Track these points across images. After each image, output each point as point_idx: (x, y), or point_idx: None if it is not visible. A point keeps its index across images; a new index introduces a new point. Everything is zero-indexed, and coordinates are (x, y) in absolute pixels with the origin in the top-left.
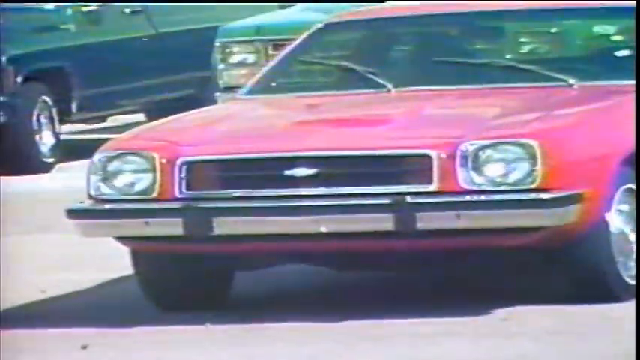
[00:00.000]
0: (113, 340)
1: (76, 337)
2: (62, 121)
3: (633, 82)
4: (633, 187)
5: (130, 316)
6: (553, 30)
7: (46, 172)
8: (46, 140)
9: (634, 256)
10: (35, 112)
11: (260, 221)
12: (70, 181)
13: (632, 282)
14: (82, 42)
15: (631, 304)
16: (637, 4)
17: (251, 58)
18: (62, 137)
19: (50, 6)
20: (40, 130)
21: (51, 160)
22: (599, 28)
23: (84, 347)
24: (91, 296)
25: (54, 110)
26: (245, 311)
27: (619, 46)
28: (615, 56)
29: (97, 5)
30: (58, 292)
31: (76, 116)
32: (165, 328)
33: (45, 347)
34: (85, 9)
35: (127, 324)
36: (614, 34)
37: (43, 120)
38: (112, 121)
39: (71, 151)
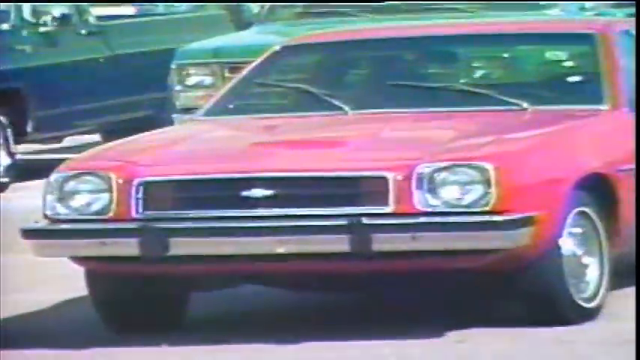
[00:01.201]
0: None
1: (32, 359)
2: (17, 142)
3: (585, 106)
4: (585, 209)
5: (87, 337)
6: (506, 55)
7: (1, 192)
8: (1, 160)
9: (586, 278)
10: None
11: (217, 242)
12: (26, 200)
13: (585, 305)
14: (38, 63)
15: (583, 327)
16: (637, 4)
17: (208, 80)
18: (18, 157)
19: (5, 26)
20: None
21: (6, 180)
22: (551, 54)
23: None
24: (47, 318)
25: (9, 130)
26: (202, 333)
27: (571, 71)
28: (568, 81)
29: (54, 26)
30: (13, 313)
31: (32, 136)
32: (120, 350)
33: None
34: (41, 29)
35: (84, 346)
36: (566, 60)
37: None
38: (68, 142)
39: (27, 170)
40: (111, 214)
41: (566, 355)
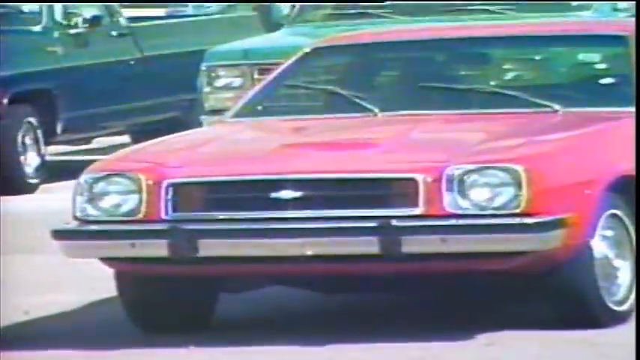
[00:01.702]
0: None
1: None
2: (47, 143)
3: (617, 109)
4: (617, 212)
5: (114, 338)
6: (538, 57)
7: (31, 193)
8: (30, 161)
9: (618, 281)
10: (20, 134)
11: (245, 243)
12: (55, 202)
13: (616, 308)
14: (68, 64)
15: (614, 330)
16: (637, 4)
17: (237, 82)
18: (47, 158)
19: (37, 28)
20: (24, 151)
21: (36, 181)
22: (583, 56)
23: None
24: (75, 318)
25: (39, 131)
26: (229, 334)
27: (603, 73)
28: (600, 84)
29: (85, 28)
30: (42, 314)
31: (61, 137)
32: (148, 351)
33: None
34: (72, 31)
35: (111, 346)
36: (598, 62)
37: (28, 141)
38: (97, 143)
39: (56, 172)
40: (140, 216)
41: (596, 358)
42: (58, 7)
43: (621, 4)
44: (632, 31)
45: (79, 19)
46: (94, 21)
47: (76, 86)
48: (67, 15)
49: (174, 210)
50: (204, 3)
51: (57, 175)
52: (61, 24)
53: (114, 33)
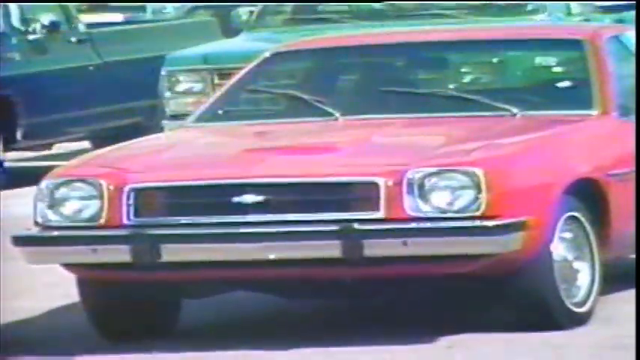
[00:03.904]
0: None
1: None
2: (7, 149)
3: (574, 112)
4: (576, 214)
5: (80, 344)
6: (496, 61)
7: None
8: None
9: (577, 283)
10: None
11: (208, 248)
12: (16, 207)
13: (576, 309)
14: (27, 70)
15: (574, 332)
16: (637, 4)
17: (198, 87)
18: (7, 164)
19: None
20: None
21: None
22: (541, 60)
23: None
24: (37, 325)
25: None
26: (193, 339)
27: (561, 77)
28: (557, 87)
29: (43, 34)
30: (3, 321)
31: (22, 144)
32: (112, 357)
33: None
34: (30, 37)
35: (74, 353)
36: (555, 66)
37: None
38: (58, 149)
39: (17, 178)
40: (102, 221)
41: None
42: (15, 14)
43: (574, 9)
44: (589, 36)
45: (37, 25)
46: (52, 27)
47: (35, 92)
48: (24, 21)
49: (136, 215)
50: (164, 8)
51: (17, 182)
52: (18, 30)
53: (72, 39)
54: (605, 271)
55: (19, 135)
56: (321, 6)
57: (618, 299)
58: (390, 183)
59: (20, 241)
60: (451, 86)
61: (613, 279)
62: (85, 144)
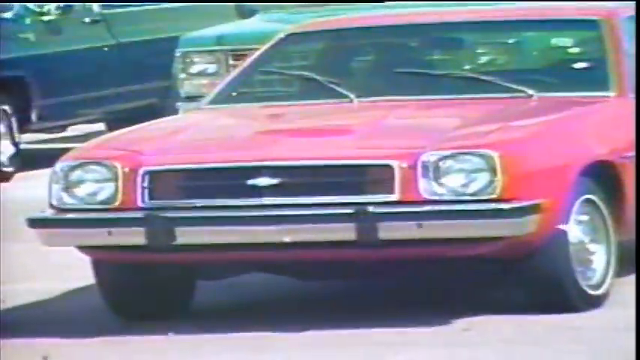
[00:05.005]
0: (75, 351)
1: (37, 348)
2: (22, 131)
3: (590, 93)
4: (592, 197)
5: (92, 326)
6: (512, 41)
7: (6, 182)
8: (5, 150)
9: (593, 266)
10: None
11: (223, 231)
12: (31, 190)
13: (591, 292)
14: (42, 51)
15: (589, 314)
16: (637, 4)
17: (212, 68)
18: (22, 146)
19: (8, 15)
20: None
21: (10, 170)
22: (557, 40)
23: (45, 358)
24: (52, 306)
25: (13, 120)
26: (208, 321)
27: (577, 58)
28: (573, 68)
29: (57, 14)
30: (19, 303)
31: (36, 125)
32: (127, 339)
33: (5, 358)
34: (44, 18)
35: (89, 334)
36: (572, 47)
37: (2, 129)
38: (72, 131)
39: (31, 160)
40: (117, 204)
41: (572, 342)
42: None
43: None
44: (605, 16)
45: (52, 6)
46: (67, 7)
47: (49, 74)
48: (39, 1)
49: (151, 198)
50: None
51: (32, 164)
52: (33, 11)
53: (87, 20)
54: (621, 254)
55: (33, 117)
56: None
57: (634, 282)
58: (405, 165)
59: (36, 223)
60: (466, 67)
61: (629, 261)
62: (100, 126)
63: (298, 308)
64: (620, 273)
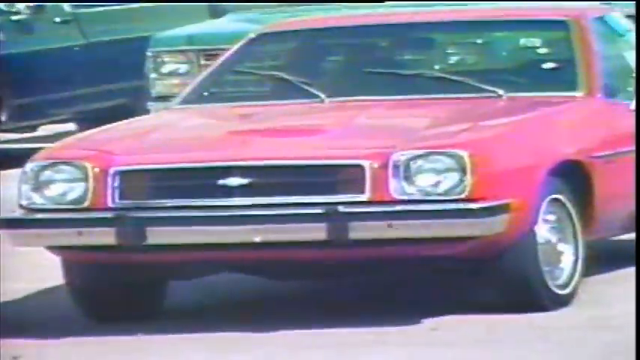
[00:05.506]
0: (45, 352)
1: (7, 349)
2: None
3: (560, 93)
4: (559, 197)
5: (63, 327)
6: (482, 42)
7: None
8: None
9: (561, 265)
10: None
11: (193, 231)
12: (0, 190)
13: (559, 291)
14: (12, 51)
15: (557, 313)
16: (637, 3)
17: (183, 68)
18: None
19: None
20: None
21: None
22: (526, 41)
23: (15, 358)
24: (23, 307)
25: None
26: (178, 321)
27: (546, 58)
28: (543, 69)
29: (28, 14)
30: None
31: (6, 125)
32: (97, 339)
33: None
34: (14, 17)
35: (59, 335)
36: (541, 47)
37: None
38: (43, 131)
39: (1, 160)
40: (87, 204)
41: (541, 342)
42: None
43: None
44: (574, 16)
45: (22, 6)
46: (37, 7)
47: (20, 73)
48: (8, 1)
49: (121, 198)
50: None
51: (2, 164)
52: (2, 10)
53: (57, 19)
54: (589, 253)
55: (3, 116)
56: None
57: (601, 281)
58: (376, 165)
59: (5, 223)
60: (437, 67)
61: (596, 261)
62: (71, 126)
63: (269, 308)
64: (587, 273)
